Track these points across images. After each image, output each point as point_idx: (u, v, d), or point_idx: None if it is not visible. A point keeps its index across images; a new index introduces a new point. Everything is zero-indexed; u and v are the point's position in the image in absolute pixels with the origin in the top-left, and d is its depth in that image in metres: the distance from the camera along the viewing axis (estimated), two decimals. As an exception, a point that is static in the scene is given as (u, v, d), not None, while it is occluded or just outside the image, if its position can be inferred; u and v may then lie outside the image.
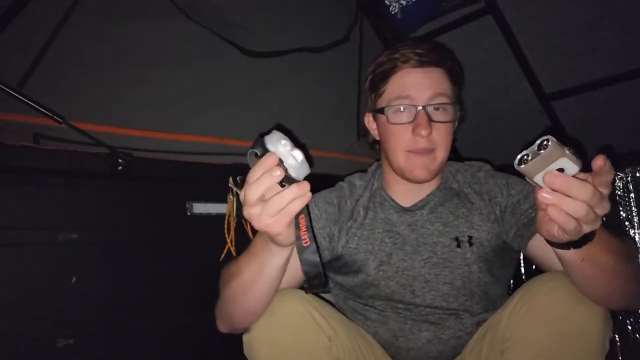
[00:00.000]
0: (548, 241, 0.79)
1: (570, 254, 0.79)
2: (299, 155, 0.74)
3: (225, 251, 1.58)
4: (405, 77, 1.12)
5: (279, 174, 0.73)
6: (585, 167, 0.70)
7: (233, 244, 1.59)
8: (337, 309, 1.15)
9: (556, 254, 0.82)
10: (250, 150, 0.76)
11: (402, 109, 1.11)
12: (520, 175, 0.74)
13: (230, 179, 1.60)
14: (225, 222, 1.60)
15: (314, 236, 0.84)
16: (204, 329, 1.45)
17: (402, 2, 1.97)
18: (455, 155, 2.09)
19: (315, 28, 1.96)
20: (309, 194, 0.75)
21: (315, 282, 0.83)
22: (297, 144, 0.75)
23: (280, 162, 0.74)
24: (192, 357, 1.57)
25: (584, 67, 1.73)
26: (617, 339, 1.65)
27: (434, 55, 1.12)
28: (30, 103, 1.26)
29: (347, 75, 2.07)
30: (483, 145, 2.12)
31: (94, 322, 1.39)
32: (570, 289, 0.88)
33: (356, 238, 1.18)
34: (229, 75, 1.72)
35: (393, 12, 2.01)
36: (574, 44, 1.69)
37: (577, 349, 0.88)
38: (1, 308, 1.25)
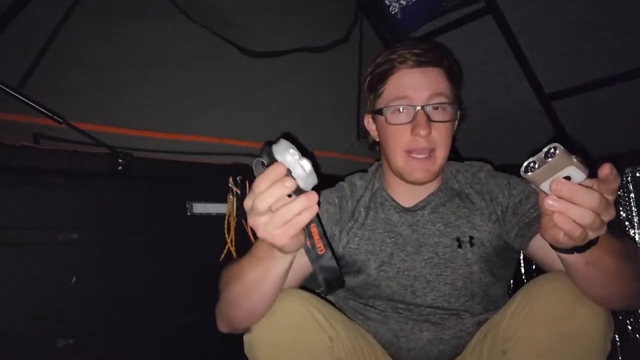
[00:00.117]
0: (552, 246, 0.79)
1: (574, 258, 0.79)
2: (307, 165, 0.72)
3: (225, 251, 1.58)
4: (403, 78, 1.13)
5: (290, 184, 0.70)
6: (591, 174, 0.69)
7: (233, 244, 1.59)
8: (337, 308, 1.15)
9: (560, 257, 0.82)
10: (257, 159, 0.74)
11: (400, 109, 1.11)
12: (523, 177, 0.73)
13: (230, 179, 1.60)
14: (225, 222, 1.60)
15: (328, 242, 0.82)
16: (204, 329, 1.45)
17: (402, 2, 1.97)
18: (455, 155, 2.09)
19: (315, 28, 1.96)
20: (316, 207, 0.73)
21: (334, 286, 0.82)
22: (304, 153, 0.73)
23: (288, 172, 0.72)
24: (192, 357, 1.57)
25: (584, 67, 1.73)
26: (617, 339, 1.66)
27: (431, 55, 1.13)
28: (30, 103, 1.26)
29: (347, 75, 2.07)
30: (483, 145, 2.12)
31: (94, 322, 1.38)
32: (572, 290, 0.88)
33: (357, 238, 1.18)
34: (229, 75, 1.72)
35: (393, 12, 2.01)
36: (574, 44, 1.69)
37: (578, 349, 0.88)
38: (1, 308, 1.25)
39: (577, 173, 0.68)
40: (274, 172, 0.71)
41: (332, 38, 2.00)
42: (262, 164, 0.73)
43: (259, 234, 0.75)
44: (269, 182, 0.71)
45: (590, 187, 0.68)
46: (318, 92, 1.98)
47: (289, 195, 0.72)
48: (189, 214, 1.57)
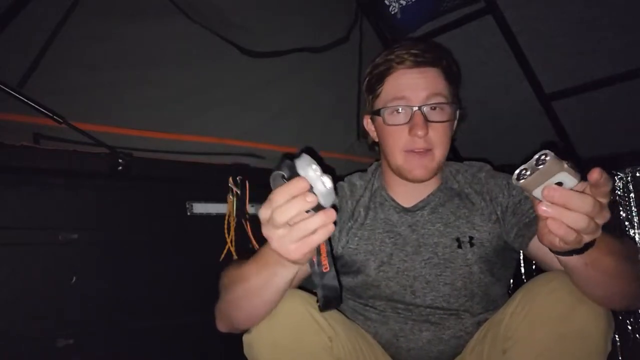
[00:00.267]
0: (550, 249, 0.79)
1: (573, 260, 0.79)
2: (328, 182, 0.71)
3: (225, 251, 1.58)
4: (400, 78, 1.13)
5: (311, 200, 0.70)
6: (583, 178, 0.69)
7: (233, 244, 1.59)
8: (337, 309, 1.15)
9: (559, 260, 0.82)
10: (277, 172, 0.73)
11: (398, 109, 1.11)
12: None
13: (230, 179, 1.60)
14: (225, 222, 1.60)
15: (334, 260, 0.81)
16: (204, 329, 1.45)
17: (402, 2, 1.97)
18: (455, 155, 2.09)
19: (315, 28, 1.96)
20: (333, 225, 0.72)
21: (332, 304, 0.82)
22: (324, 169, 0.73)
23: (309, 188, 0.71)
24: (192, 357, 1.57)
25: (584, 67, 1.73)
26: (617, 339, 1.66)
27: (429, 55, 1.12)
28: (30, 103, 1.26)
29: (347, 75, 2.07)
30: (483, 145, 2.12)
31: (94, 322, 1.38)
32: (572, 289, 0.88)
33: (356, 238, 1.18)
34: (229, 75, 1.72)
35: (393, 12, 2.01)
36: (574, 44, 1.69)
37: (578, 349, 0.88)
38: (1, 308, 1.25)
39: (568, 179, 0.68)
40: (296, 186, 0.70)
41: (332, 38, 2.00)
42: (282, 177, 0.72)
43: (273, 245, 0.74)
44: (289, 195, 0.70)
45: (583, 192, 0.68)
46: (318, 92, 1.98)
47: (307, 211, 0.71)
48: (189, 214, 1.57)
